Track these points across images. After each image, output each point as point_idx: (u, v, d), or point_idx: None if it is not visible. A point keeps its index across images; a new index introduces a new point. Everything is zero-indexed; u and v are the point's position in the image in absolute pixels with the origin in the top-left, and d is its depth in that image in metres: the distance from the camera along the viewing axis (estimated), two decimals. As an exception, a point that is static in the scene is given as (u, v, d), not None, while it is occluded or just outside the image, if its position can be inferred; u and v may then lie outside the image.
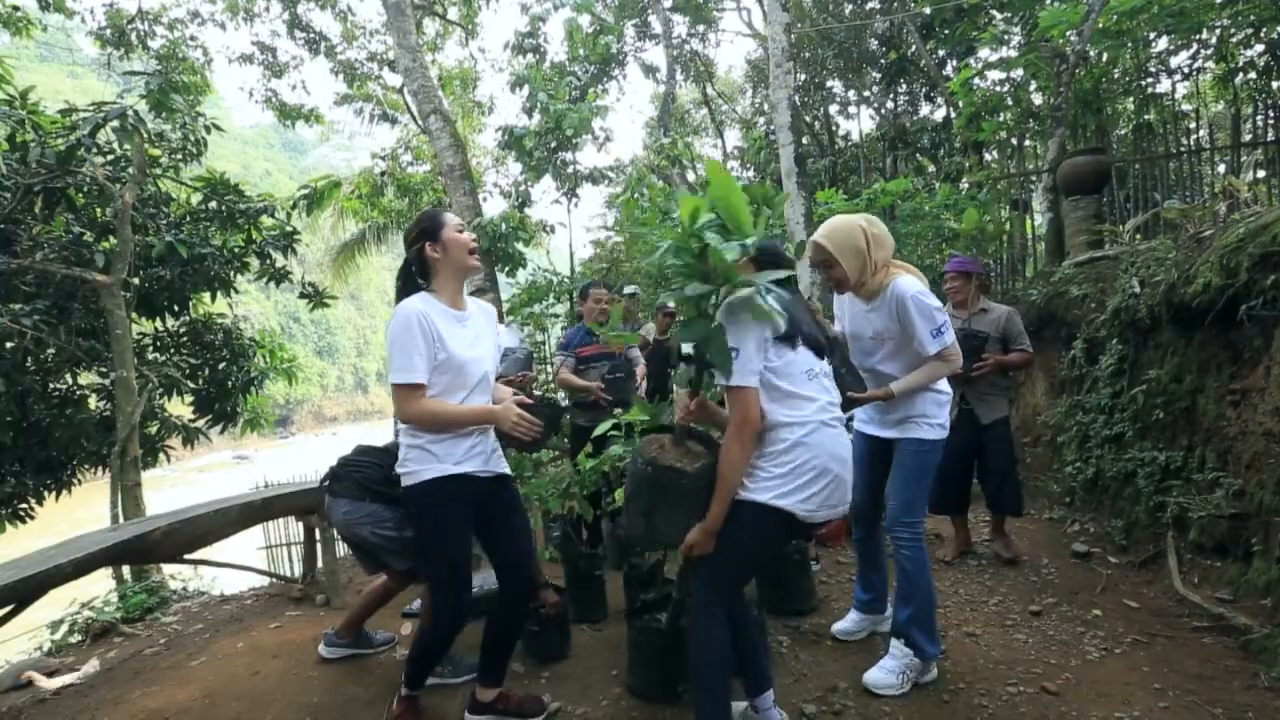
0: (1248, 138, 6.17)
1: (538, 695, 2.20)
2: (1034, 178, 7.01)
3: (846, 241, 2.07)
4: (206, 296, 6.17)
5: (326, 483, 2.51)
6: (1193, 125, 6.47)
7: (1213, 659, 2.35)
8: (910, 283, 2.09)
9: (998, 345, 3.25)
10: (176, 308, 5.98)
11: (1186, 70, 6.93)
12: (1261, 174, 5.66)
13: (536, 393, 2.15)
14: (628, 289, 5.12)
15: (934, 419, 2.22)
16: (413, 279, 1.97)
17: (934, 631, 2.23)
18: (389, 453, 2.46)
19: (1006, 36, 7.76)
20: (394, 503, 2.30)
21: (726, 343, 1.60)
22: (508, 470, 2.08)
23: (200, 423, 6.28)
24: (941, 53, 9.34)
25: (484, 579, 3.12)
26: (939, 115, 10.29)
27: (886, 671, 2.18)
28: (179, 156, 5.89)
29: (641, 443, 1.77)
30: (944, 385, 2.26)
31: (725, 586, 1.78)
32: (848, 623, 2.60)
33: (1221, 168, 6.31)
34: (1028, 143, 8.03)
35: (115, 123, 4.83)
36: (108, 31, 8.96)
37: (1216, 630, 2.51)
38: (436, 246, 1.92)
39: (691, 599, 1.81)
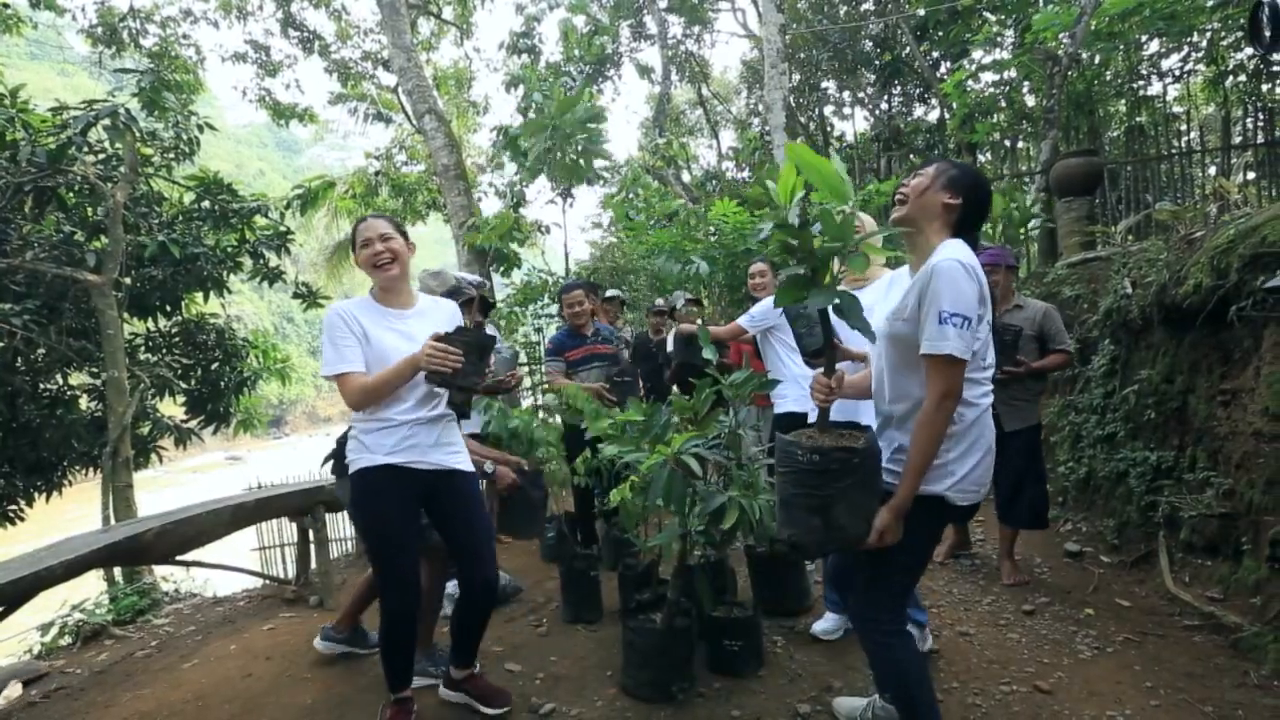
0: (1238, 140, 6.22)
1: (505, 690, 2.22)
2: (1027, 179, 7.05)
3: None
4: (199, 296, 6.14)
5: (330, 462, 2.50)
6: (1184, 127, 6.53)
7: (1203, 657, 2.36)
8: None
9: (1034, 344, 3.00)
10: (169, 308, 5.95)
11: (1177, 73, 7.00)
12: (1251, 176, 5.71)
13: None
14: (609, 292, 5.09)
15: None
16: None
17: (918, 600, 2.32)
18: None
19: (1000, 39, 7.81)
20: None
21: (862, 308, 1.49)
22: (460, 465, 2.05)
23: (193, 423, 6.25)
24: (936, 54, 9.39)
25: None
26: (933, 116, 10.35)
27: None
28: (171, 155, 5.86)
29: (788, 440, 1.60)
30: None
31: (903, 596, 1.68)
32: (827, 622, 2.59)
33: (1212, 170, 6.36)
34: (1021, 144, 8.09)
35: (106, 121, 4.79)
36: (99, 29, 8.90)
37: (1207, 629, 2.53)
38: (357, 259, 2.05)
39: (868, 628, 1.66)
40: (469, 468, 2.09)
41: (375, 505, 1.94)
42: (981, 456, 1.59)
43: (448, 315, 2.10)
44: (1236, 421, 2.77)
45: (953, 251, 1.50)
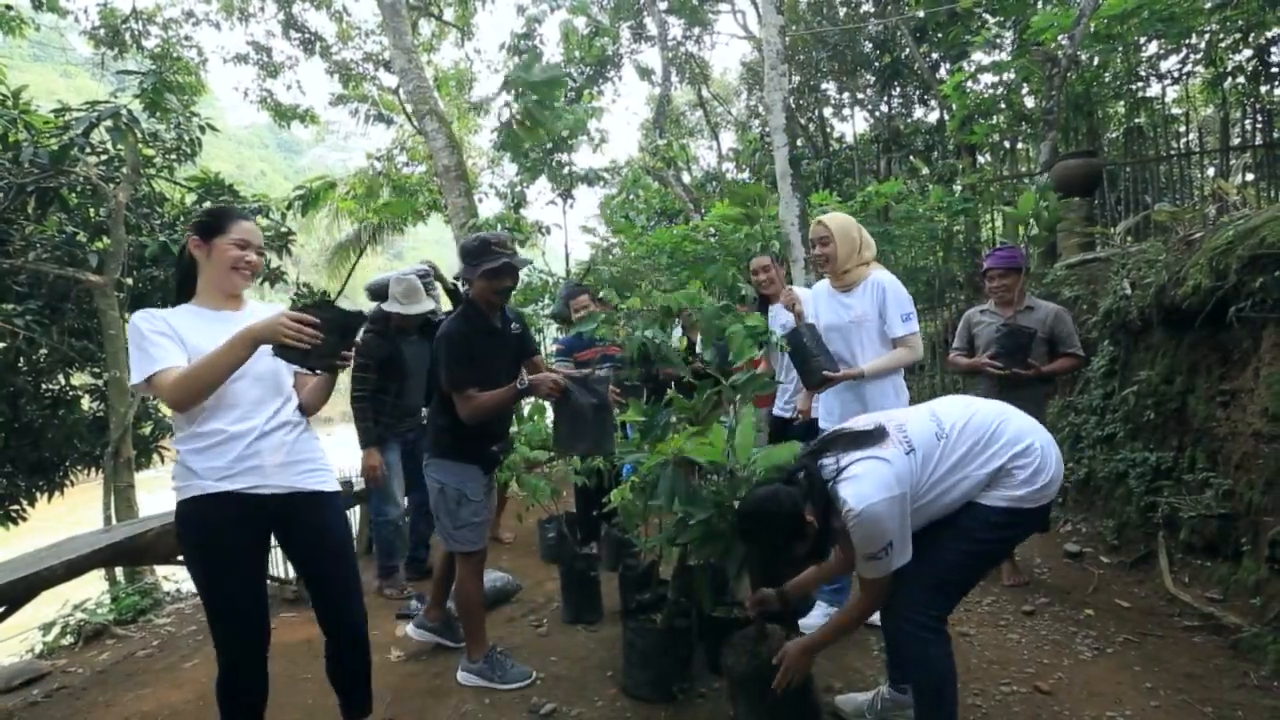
0: (1236, 141, 6.23)
1: None
2: (1026, 180, 7.06)
3: (844, 228, 2.42)
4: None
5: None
6: (1182, 129, 6.54)
7: (1203, 658, 2.37)
8: (890, 275, 2.39)
9: (1043, 347, 2.94)
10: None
11: (1176, 74, 7.00)
12: (1250, 177, 5.72)
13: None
14: (604, 292, 5.11)
15: None
16: (184, 276, 1.73)
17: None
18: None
19: (999, 40, 7.82)
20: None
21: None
22: (318, 485, 1.71)
23: (194, 424, 6.26)
24: (935, 56, 9.40)
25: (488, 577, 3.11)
26: (932, 118, 10.34)
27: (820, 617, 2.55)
28: (173, 156, 5.88)
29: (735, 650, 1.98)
30: (903, 389, 2.43)
31: (951, 596, 1.70)
32: (816, 616, 2.60)
33: (1211, 171, 6.37)
34: (1020, 145, 8.10)
35: (109, 122, 4.81)
36: (102, 31, 8.93)
37: (1207, 629, 2.54)
38: (203, 247, 1.67)
39: (903, 622, 1.66)
40: (332, 488, 1.77)
41: (203, 545, 1.58)
42: (1041, 465, 1.61)
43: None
44: (1236, 422, 2.77)
45: (856, 493, 1.54)
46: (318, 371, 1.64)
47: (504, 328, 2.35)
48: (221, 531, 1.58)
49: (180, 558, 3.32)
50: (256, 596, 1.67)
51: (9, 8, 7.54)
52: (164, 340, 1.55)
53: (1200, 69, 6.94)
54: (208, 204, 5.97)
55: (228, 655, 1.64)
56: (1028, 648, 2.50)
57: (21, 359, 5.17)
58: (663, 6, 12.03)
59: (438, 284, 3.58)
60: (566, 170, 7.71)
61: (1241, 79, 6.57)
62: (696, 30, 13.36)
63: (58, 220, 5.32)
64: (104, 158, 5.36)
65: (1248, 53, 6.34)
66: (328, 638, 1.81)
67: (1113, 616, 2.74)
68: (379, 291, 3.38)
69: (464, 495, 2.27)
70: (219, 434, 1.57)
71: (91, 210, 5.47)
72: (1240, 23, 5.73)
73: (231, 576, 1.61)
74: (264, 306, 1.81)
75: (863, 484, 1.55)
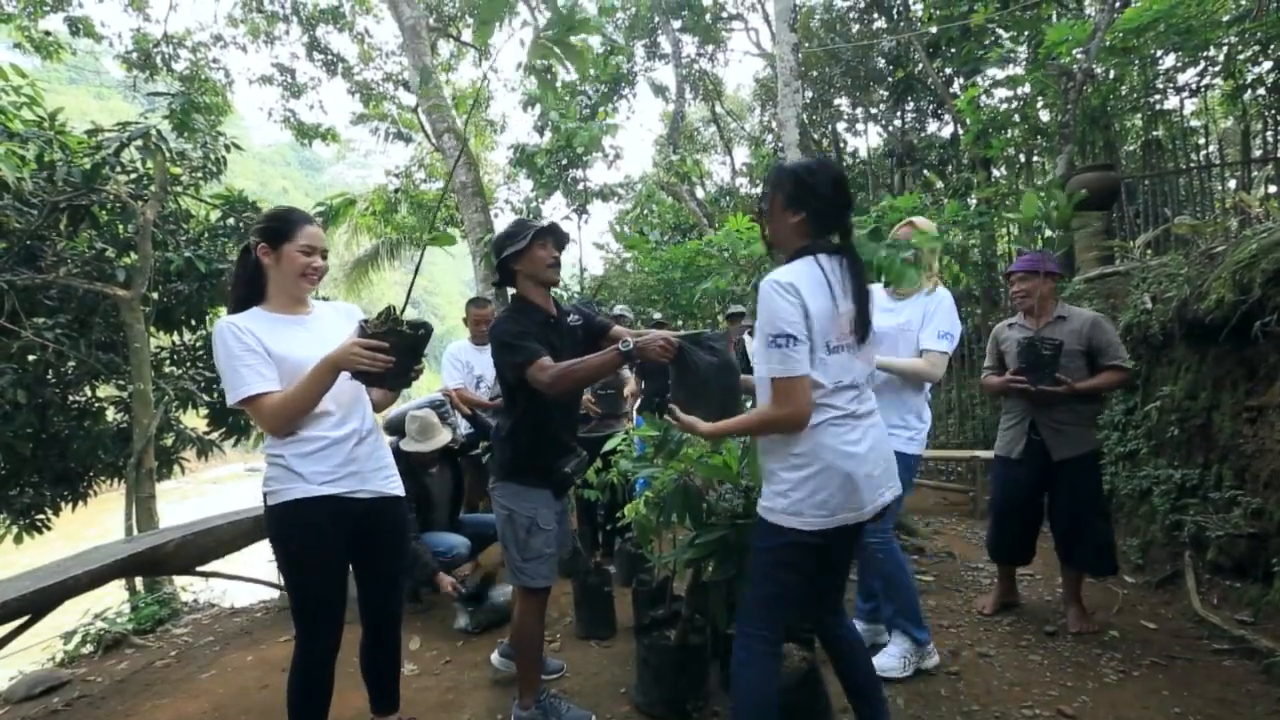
0: (1258, 153, 6.15)
1: None
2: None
3: (932, 230, 2.40)
4: (223, 311, 6.27)
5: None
6: (1202, 141, 6.46)
7: (1234, 682, 2.29)
8: (946, 292, 2.43)
9: (1082, 360, 2.62)
10: (194, 322, 6.10)
11: (1195, 87, 6.94)
12: (1273, 190, 5.63)
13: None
14: (616, 310, 5.14)
15: (914, 431, 2.38)
16: (249, 282, 1.75)
17: (920, 619, 2.39)
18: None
19: (1012, 55, 7.81)
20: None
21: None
22: (395, 490, 1.84)
23: (214, 435, 6.36)
24: (948, 71, 9.41)
25: (501, 591, 3.11)
26: (946, 132, 10.33)
27: (890, 656, 2.38)
28: (199, 174, 6.05)
29: None
30: (924, 406, 2.43)
31: (765, 614, 1.63)
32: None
33: (1232, 183, 6.29)
34: (1035, 159, 8.05)
35: (139, 142, 4.98)
36: (134, 55, 9.26)
37: (1237, 653, 2.46)
38: (272, 255, 1.72)
39: (742, 631, 1.65)
40: (402, 493, 1.90)
41: (311, 545, 1.68)
42: (819, 481, 1.49)
43: (350, 317, 1.85)
44: (1264, 439, 2.71)
45: (772, 273, 1.50)
46: (392, 388, 1.72)
47: (560, 318, 2.12)
48: (324, 532, 1.68)
49: (203, 565, 3.39)
50: (344, 596, 1.76)
51: (48, 34, 7.86)
52: (254, 360, 1.62)
53: (1219, 81, 6.88)
54: (231, 220, 6.13)
55: (316, 651, 1.74)
56: (1050, 669, 2.44)
57: (51, 371, 5.30)
58: (677, 25, 12.21)
59: (454, 412, 3.56)
60: (581, 186, 7.81)
61: (1262, 91, 6.50)
62: (710, 48, 13.53)
63: (88, 237, 5.48)
64: (133, 176, 5.53)
65: (1268, 65, 6.27)
66: (369, 631, 1.92)
67: (1138, 638, 2.66)
68: (395, 427, 3.35)
69: (535, 523, 2.03)
70: (322, 439, 1.69)
71: (120, 227, 5.62)
72: (1259, 35, 5.68)
73: (329, 574, 1.73)
74: (328, 307, 1.90)
75: (786, 272, 1.48)
